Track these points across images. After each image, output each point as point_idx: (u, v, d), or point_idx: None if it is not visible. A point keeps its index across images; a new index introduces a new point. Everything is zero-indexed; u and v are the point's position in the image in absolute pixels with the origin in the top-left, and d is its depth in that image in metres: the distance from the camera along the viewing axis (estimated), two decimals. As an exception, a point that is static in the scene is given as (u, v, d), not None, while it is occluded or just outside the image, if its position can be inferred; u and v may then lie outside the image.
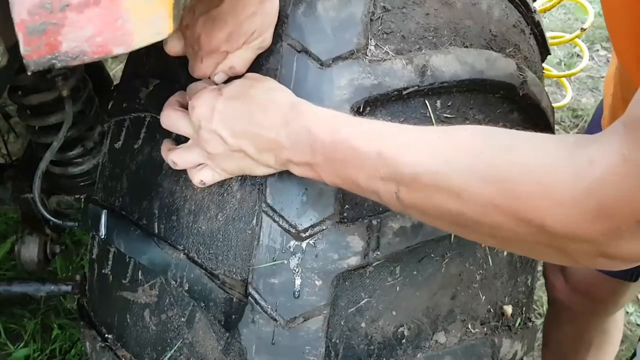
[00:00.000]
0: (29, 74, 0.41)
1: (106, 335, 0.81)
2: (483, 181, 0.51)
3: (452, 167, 0.52)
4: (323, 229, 0.68)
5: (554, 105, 1.70)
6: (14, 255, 1.76)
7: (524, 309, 0.83)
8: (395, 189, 0.56)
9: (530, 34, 0.92)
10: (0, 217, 1.93)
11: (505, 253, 0.79)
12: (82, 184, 1.25)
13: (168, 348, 0.75)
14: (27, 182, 1.27)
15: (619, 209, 0.44)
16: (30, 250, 1.29)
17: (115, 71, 2.12)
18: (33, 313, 1.75)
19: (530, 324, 0.85)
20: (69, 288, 1.22)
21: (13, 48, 0.43)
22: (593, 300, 1.17)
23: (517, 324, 0.81)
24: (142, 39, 0.41)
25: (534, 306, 1.96)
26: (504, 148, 0.51)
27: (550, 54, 1.00)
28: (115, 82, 1.39)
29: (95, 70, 1.31)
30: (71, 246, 1.75)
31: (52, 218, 1.08)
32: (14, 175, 1.28)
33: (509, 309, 0.78)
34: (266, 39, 0.71)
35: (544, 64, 1.21)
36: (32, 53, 0.40)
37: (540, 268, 1.31)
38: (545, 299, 1.92)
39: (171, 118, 0.70)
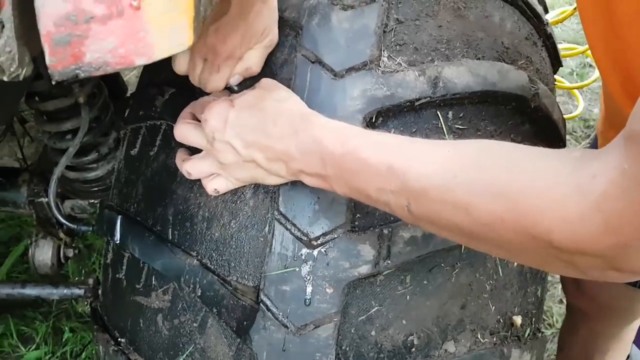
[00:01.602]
0: (52, 83, 0.42)
1: (119, 339, 0.83)
2: (489, 196, 0.51)
3: (459, 183, 0.53)
4: (334, 237, 0.69)
5: (566, 116, 1.71)
6: (27, 259, 1.78)
7: (533, 319, 0.83)
8: (405, 202, 0.57)
9: (543, 46, 0.93)
10: (14, 221, 1.95)
11: (515, 264, 0.79)
12: (96, 189, 1.26)
13: (180, 353, 0.76)
14: (42, 186, 1.29)
15: (624, 223, 0.45)
16: (43, 253, 1.30)
17: (129, 77, 2.15)
18: (45, 316, 1.77)
19: (539, 334, 0.85)
20: (82, 292, 1.24)
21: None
22: (603, 305, 1.18)
23: (526, 335, 0.81)
24: (163, 51, 0.42)
25: (544, 316, 1.96)
26: (510, 164, 0.52)
27: (562, 65, 1.00)
28: (129, 88, 1.42)
29: (110, 77, 1.33)
30: (84, 250, 1.77)
31: (66, 222, 1.10)
32: (29, 179, 1.30)
33: (518, 320, 0.78)
34: (274, 35, 0.73)
35: (556, 75, 1.22)
36: (57, 64, 0.41)
37: (550, 278, 1.31)
38: (555, 309, 1.92)
39: (184, 131, 0.71)
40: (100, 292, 0.95)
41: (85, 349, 1.68)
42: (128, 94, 1.23)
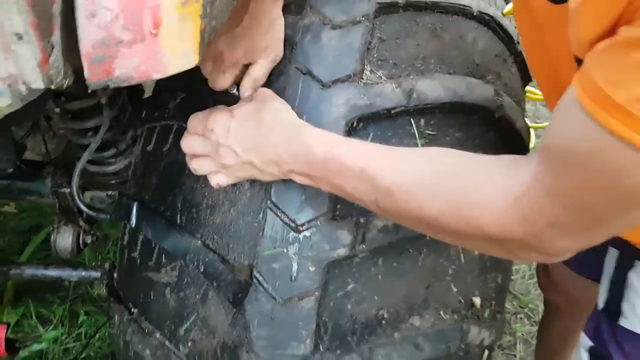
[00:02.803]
0: (88, 91, 0.55)
1: (132, 310, 0.95)
2: (439, 196, 0.64)
3: (416, 185, 0.66)
4: (317, 224, 0.81)
5: (539, 125, 1.82)
6: (47, 246, 1.92)
7: (493, 302, 0.95)
8: (374, 199, 0.69)
9: (513, 62, 1.04)
10: (34, 211, 2.09)
11: (476, 252, 0.91)
12: (113, 181, 1.39)
13: (185, 321, 0.88)
14: (65, 178, 1.41)
15: (535, 218, 0.57)
16: (64, 239, 1.43)
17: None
18: (62, 300, 1.90)
19: (499, 316, 0.96)
20: (98, 274, 1.36)
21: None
22: (573, 299, 1.28)
23: (485, 315, 0.93)
24: (174, 68, 0.55)
25: (530, 314, 2.06)
26: (455, 170, 0.64)
27: (532, 80, 1.11)
28: (145, 91, 1.54)
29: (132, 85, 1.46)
30: (100, 238, 1.90)
31: (87, 210, 1.23)
32: (52, 171, 1.43)
33: (477, 301, 0.90)
34: (279, 53, 0.84)
35: (531, 87, 1.33)
36: (93, 77, 0.53)
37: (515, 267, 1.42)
38: (541, 307, 2.02)
39: (189, 143, 0.83)
40: (115, 273, 1.08)
41: (99, 331, 1.80)
42: (144, 96, 1.35)
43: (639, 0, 0.48)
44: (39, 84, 0.53)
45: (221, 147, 0.79)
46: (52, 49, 0.52)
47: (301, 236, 0.81)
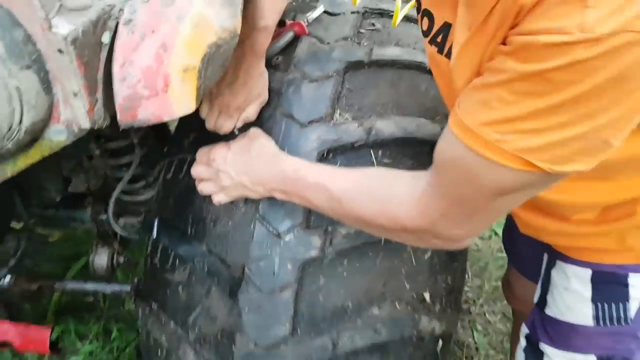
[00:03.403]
0: (120, 130, 0.80)
1: (153, 305, 1.19)
2: (371, 201, 0.88)
3: (356, 193, 0.90)
4: (295, 231, 1.04)
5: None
6: (86, 272, 2.17)
7: (443, 299, 1.15)
8: (329, 205, 0.93)
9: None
10: (76, 240, 2.37)
11: (426, 256, 1.12)
12: (143, 209, 1.65)
13: (193, 311, 1.11)
14: (102, 207, 1.68)
15: (430, 212, 0.80)
16: (101, 259, 1.68)
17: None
18: (97, 318, 2.15)
19: (449, 311, 1.17)
20: (128, 288, 1.61)
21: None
22: (530, 304, 1.47)
23: (436, 309, 1.13)
24: (178, 113, 0.80)
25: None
26: (383, 181, 0.89)
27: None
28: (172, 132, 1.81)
29: (158, 125, 1.73)
30: (130, 261, 2.15)
31: (120, 232, 1.48)
32: (92, 202, 1.70)
33: (427, 296, 1.11)
34: (265, 97, 1.10)
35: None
36: (123, 120, 0.79)
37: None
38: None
39: (197, 170, 1.09)
40: (142, 279, 1.32)
41: (129, 345, 2.04)
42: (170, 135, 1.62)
43: (492, 61, 0.71)
44: (86, 125, 0.79)
45: (220, 172, 1.04)
46: (96, 102, 0.78)
47: (282, 241, 1.05)
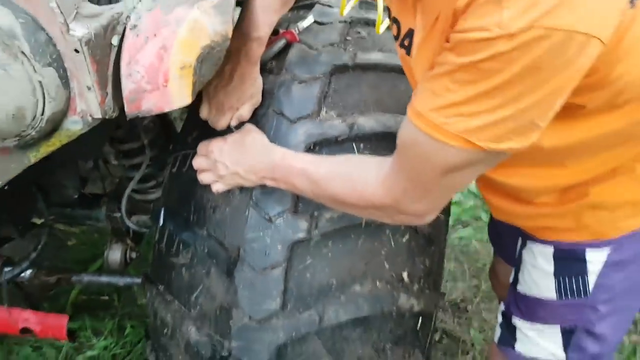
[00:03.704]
0: (127, 119, 0.93)
1: (159, 286, 1.31)
2: (345, 183, 1.00)
3: (333, 177, 1.02)
4: (284, 216, 1.16)
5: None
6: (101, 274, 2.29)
7: (421, 280, 1.26)
8: (310, 189, 1.06)
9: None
10: (87, 245, 2.51)
11: (404, 239, 1.24)
12: (153, 207, 1.78)
13: (195, 290, 1.24)
14: (116, 206, 1.82)
15: (394, 190, 0.92)
16: (115, 254, 1.82)
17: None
18: (112, 316, 2.28)
19: (427, 292, 1.28)
20: (139, 280, 1.74)
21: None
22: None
23: (414, 288, 1.24)
24: (176, 105, 0.93)
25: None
26: (354, 165, 1.01)
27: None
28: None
29: (167, 128, 1.87)
30: (143, 254, 2.28)
31: (134, 226, 1.62)
32: (107, 201, 1.84)
33: (405, 275, 1.22)
34: (258, 99, 1.22)
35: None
36: (129, 110, 0.92)
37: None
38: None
39: (197, 161, 1.22)
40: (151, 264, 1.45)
41: (141, 341, 2.16)
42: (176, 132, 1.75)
43: (439, 56, 0.84)
44: (98, 115, 0.92)
45: (218, 163, 1.17)
46: (107, 95, 0.92)
47: (273, 225, 1.17)
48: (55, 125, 0.93)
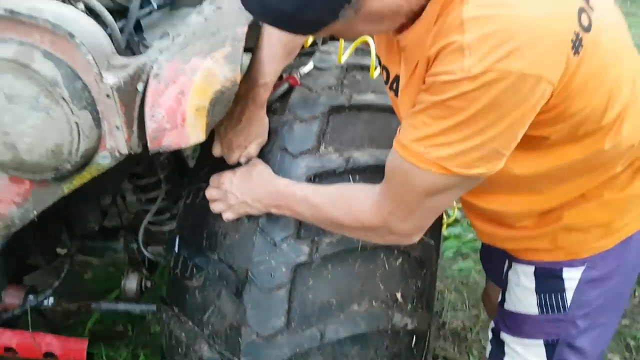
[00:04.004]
0: (149, 154, 1.07)
1: (174, 308, 1.43)
2: (341, 207, 1.13)
3: (331, 202, 1.16)
4: (288, 240, 1.29)
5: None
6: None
7: (415, 301, 1.37)
8: (310, 214, 1.19)
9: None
10: (108, 276, 2.63)
11: (397, 262, 1.35)
12: (169, 236, 1.91)
13: (207, 311, 1.35)
14: (133, 238, 1.94)
15: (381, 211, 1.05)
16: (131, 283, 1.94)
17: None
18: (126, 345, 2.39)
19: (420, 311, 1.39)
20: (154, 307, 1.86)
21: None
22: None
23: (408, 307, 1.35)
24: (192, 141, 1.07)
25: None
26: (350, 192, 1.15)
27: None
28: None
29: (181, 165, 2.01)
30: (158, 283, 2.40)
31: (150, 256, 1.74)
32: (124, 234, 1.96)
33: (399, 296, 1.33)
34: (264, 139, 1.36)
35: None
36: (151, 146, 1.06)
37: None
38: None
39: (210, 192, 1.35)
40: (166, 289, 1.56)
41: (154, 367, 2.26)
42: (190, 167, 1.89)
43: (418, 96, 0.97)
44: (125, 151, 1.06)
45: (228, 193, 1.30)
46: (133, 133, 1.06)
47: (278, 249, 1.29)
48: (87, 159, 1.06)
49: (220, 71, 1.09)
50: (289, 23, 0.90)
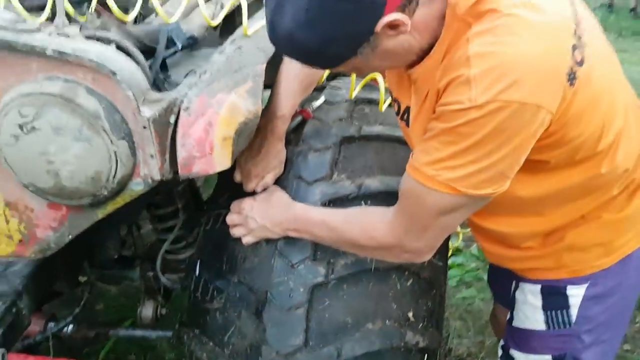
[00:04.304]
0: (180, 180, 1.16)
1: (195, 330, 1.50)
2: (357, 228, 1.21)
3: (348, 223, 1.24)
4: (305, 262, 1.37)
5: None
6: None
7: (425, 320, 1.44)
8: (327, 235, 1.27)
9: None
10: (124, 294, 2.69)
11: (408, 283, 1.43)
12: (182, 266, 1.98)
13: (228, 331, 1.42)
14: (149, 266, 2.01)
15: (397, 230, 1.14)
16: (147, 310, 2.00)
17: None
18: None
19: (431, 329, 1.46)
20: (170, 334, 1.92)
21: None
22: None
23: (419, 326, 1.42)
24: (219, 168, 1.16)
25: None
26: (366, 214, 1.23)
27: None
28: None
29: (194, 198, 2.09)
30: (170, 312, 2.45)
31: (168, 283, 1.81)
32: (140, 263, 2.03)
33: (410, 315, 1.40)
34: (281, 169, 1.45)
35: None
36: (182, 173, 1.15)
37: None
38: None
39: (231, 217, 1.44)
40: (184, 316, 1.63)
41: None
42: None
43: (429, 124, 1.07)
44: (158, 178, 1.15)
45: (248, 218, 1.39)
46: (165, 161, 1.15)
47: (295, 270, 1.37)
48: (122, 186, 1.15)
49: (243, 104, 1.19)
50: (313, 58, 1.00)
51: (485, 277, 2.93)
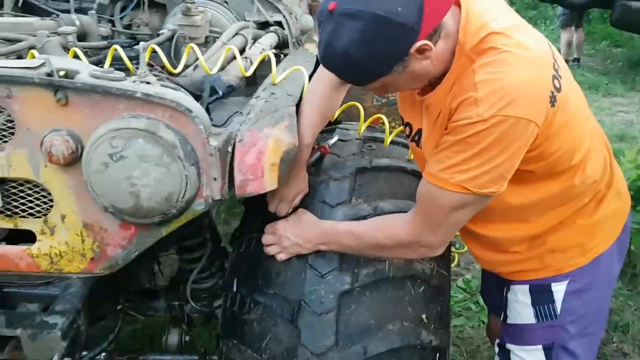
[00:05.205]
0: (237, 199, 1.38)
1: (233, 340, 1.69)
2: (380, 231, 1.47)
3: (371, 227, 1.50)
4: (333, 273, 1.59)
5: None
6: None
7: (436, 321, 1.67)
8: (354, 244, 1.51)
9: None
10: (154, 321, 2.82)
11: (420, 289, 1.66)
12: (205, 294, 2.17)
13: (265, 338, 1.62)
14: (173, 296, 2.19)
15: (416, 227, 1.40)
16: (173, 337, 2.17)
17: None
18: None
19: (441, 330, 1.68)
20: (197, 357, 2.09)
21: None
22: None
23: (431, 327, 1.65)
24: (268, 189, 1.39)
25: None
26: (387, 219, 1.48)
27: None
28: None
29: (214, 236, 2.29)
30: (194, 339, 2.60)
31: (196, 306, 2.00)
32: (165, 293, 2.22)
33: (424, 317, 1.63)
34: (305, 190, 1.69)
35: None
36: (239, 193, 1.38)
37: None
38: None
39: (266, 238, 1.67)
40: (219, 325, 1.82)
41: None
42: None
43: (441, 139, 1.34)
44: (218, 198, 1.38)
45: (282, 237, 1.62)
46: (225, 183, 1.38)
47: (325, 280, 1.59)
48: (187, 206, 1.37)
49: (284, 137, 1.44)
50: (358, 73, 1.27)
51: (473, 307, 3.20)
